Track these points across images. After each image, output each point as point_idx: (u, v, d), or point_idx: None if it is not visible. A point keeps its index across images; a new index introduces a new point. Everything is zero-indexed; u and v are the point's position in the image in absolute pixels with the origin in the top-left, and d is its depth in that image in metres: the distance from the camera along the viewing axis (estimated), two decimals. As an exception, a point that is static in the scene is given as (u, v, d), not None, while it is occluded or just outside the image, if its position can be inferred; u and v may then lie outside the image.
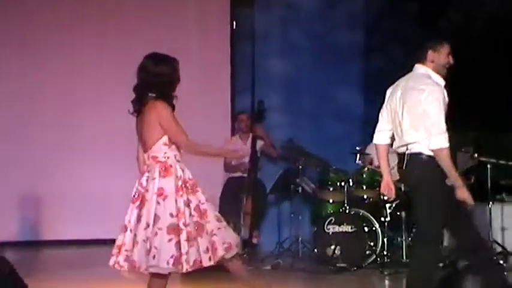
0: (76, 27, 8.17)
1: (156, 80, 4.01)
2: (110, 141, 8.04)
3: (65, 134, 8.11)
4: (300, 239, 7.20)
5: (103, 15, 8.26)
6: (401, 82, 4.48)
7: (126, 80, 8.24)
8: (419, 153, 4.30)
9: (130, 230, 3.98)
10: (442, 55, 4.43)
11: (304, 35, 8.60)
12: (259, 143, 7.55)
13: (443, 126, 4.19)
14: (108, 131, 8.05)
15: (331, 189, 7.20)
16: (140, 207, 3.96)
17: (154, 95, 3.99)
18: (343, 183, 7.01)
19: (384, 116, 4.56)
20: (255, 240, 7.30)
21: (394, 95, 4.47)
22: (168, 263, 3.85)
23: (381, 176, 7.03)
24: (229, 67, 8.36)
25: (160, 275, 3.98)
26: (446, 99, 4.32)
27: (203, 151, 4.00)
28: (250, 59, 8.36)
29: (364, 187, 7.05)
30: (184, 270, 3.90)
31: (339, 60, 8.61)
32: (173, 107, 4.03)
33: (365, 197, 7.05)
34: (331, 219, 6.75)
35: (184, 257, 3.86)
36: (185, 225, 3.90)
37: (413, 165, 4.35)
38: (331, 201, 7.20)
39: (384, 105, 4.56)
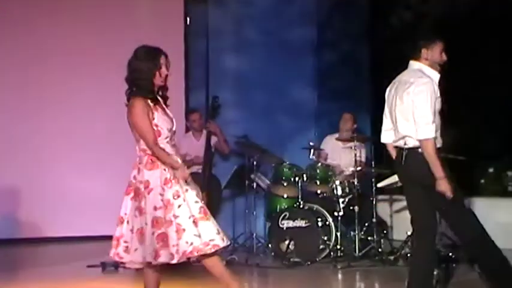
0: (30, 24, 8.09)
1: (133, 76, 4.02)
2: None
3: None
4: (254, 234, 7.23)
5: (56, 11, 8.16)
6: (397, 78, 4.55)
7: (81, 75, 8.24)
8: (416, 148, 4.33)
9: (127, 222, 4.00)
10: (435, 52, 4.49)
11: (257, 31, 8.63)
12: (213, 139, 7.56)
13: (430, 117, 4.23)
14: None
15: (285, 184, 7.24)
16: (138, 199, 3.97)
17: (135, 89, 4.03)
18: (297, 179, 7.05)
19: (386, 114, 4.59)
20: None
21: (390, 92, 4.54)
22: (151, 256, 3.90)
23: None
24: (183, 63, 8.34)
25: (153, 267, 4.03)
26: (438, 93, 4.37)
27: (164, 160, 3.97)
28: (204, 56, 8.39)
29: (318, 182, 7.12)
30: (174, 262, 3.91)
31: (292, 56, 8.67)
32: (156, 102, 4.03)
33: (319, 192, 7.11)
34: (286, 215, 6.81)
35: (174, 249, 3.88)
36: (174, 216, 3.91)
37: (411, 162, 4.37)
38: (285, 196, 7.24)
39: (386, 105, 4.60)
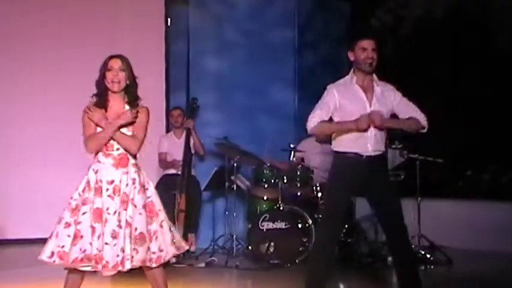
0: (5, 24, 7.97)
1: None
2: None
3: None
4: (234, 236, 7.22)
5: (32, 13, 8.08)
6: None
7: (57, 77, 8.13)
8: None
9: None
10: (357, 52, 4.65)
11: (238, 32, 8.62)
12: (193, 139, 7.54)
13: (312, 115, 4.64)
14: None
15: (265, 186, 7.23)
16: None
17: None
18: (277, 180, 7.08)
19: None
20: (192, 248, 7.25)
21: None
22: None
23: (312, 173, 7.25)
24: (163, 65, 8.32)
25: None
26: (338, 96, 4.67)
27: (99, 142, 4.06)
28: (184, 57, 8.36)
29: (298, 184, 7.13)
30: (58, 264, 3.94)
31: (272, 58, 8.67)
32: (102, 108, 4.08)
33: (299, 193, 7.14)
34: (266, 216, 6.81)
35: (67, 252, 3.90)
36: (76, 222, 3.94)
37: None
38: (265, 198, 7.24)
39: None
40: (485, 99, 8.30)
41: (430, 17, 9.04)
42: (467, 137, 8.22)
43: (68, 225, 3.93)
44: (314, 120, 4.62)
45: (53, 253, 3.92)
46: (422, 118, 4.57)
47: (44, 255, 3.93)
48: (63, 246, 3.90)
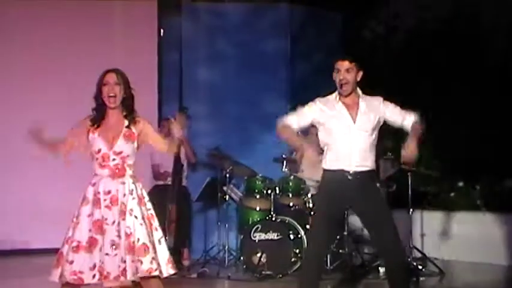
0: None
1: None
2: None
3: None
4: (226, 247, 7.21)
5: (29, 20, 8.09)
6: None
7: (51, 84, 8.15)
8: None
9: None
10: (334, 73, 4.61)
11: (230, 43, 8.64)
12: (184, 150, 7.51)
13: (288, 116, 4.71)
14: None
15: (257, 197, 7.22)
16: None
17: None
18: (269, 191, 7.08)
19: None
20: (186, 263, 7.24)
21: None
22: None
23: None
24: (156, 75, 8.33)
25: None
26: (326, 111, 4.62)
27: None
28: (177, 67, 8.37)
29: (290, 195, 7.13)
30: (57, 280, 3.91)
31: (265, 68, 8.68)
32: (97, 123, 4.11)
33: (291, 204, 7.13)
34: (258, 227, 6.80)
35: (65, 267, 3.88)
36: (81, 238, 3.93)
37: None
38: (257, 209, 7.22)
39: None
40: (477, 110, 8.33)
41: (423, 28, 9.07)
42: (459, 148, 8.23)
43: (77, 244, 3.92)
44: (285, 120, 4.69)
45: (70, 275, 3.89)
46: (415, 118, 4.57)
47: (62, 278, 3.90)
48: (80, 272, 3.88)
